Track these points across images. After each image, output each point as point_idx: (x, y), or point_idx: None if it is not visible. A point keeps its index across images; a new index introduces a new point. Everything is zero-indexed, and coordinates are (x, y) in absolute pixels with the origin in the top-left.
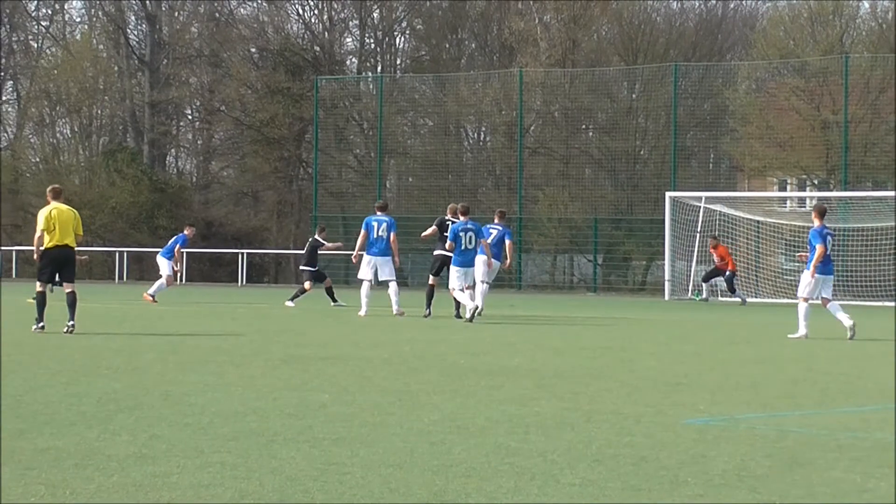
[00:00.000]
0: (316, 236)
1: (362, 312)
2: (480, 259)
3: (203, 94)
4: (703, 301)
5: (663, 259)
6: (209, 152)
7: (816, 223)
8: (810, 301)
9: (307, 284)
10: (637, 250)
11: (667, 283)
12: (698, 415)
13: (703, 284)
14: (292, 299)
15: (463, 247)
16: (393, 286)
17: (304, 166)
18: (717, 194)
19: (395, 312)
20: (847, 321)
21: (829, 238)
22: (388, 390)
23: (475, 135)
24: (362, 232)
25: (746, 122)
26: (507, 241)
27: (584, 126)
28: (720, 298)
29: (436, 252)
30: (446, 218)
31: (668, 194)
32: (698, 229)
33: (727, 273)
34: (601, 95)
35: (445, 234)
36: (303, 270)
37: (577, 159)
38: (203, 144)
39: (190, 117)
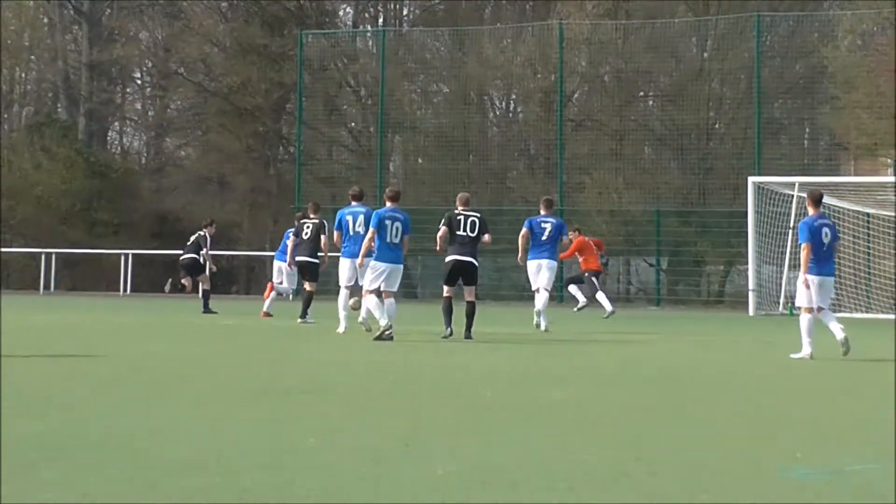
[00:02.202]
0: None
1: (341, 329)
2: (547, 264)
3: (156, 54)
4: (788, 315)
5: (746, 263)
6: (163, 126)
7: (811, 212)
8: (814, 310)
9: (308, 286)
10: (712, 252)
11: (751, 295)
12: (796, 465)
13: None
14: (303, 316)
15: (388, 239)
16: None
17: (285, 144)
18: (813, 179)
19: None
20: (840, 333)
21: (825, 231)
22: (391, 432)
23: (502, 104)
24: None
25: (851, 87)
26: (565, 237)
27: (641, 93)
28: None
29: (448, 257)
30: (457, 211)
31: (752, 180)
32: (791, 224)
33: (587, 273)
34: (663, 54)
35: (459, 232)
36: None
37: (634, 135)
38: (155, 116)
39: (139, 82)
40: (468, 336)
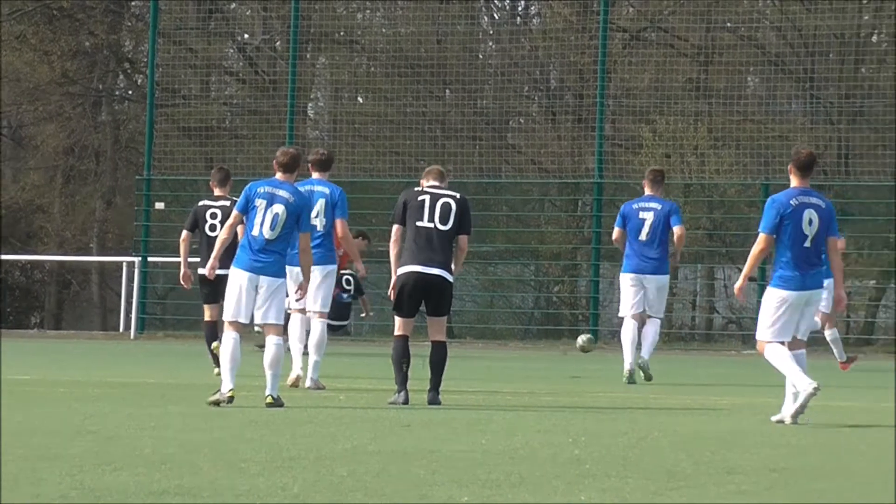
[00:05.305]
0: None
1: (293, 376)
2: (657, 281)
3: None
4: None
5: None
6: None
7: (793, 182)
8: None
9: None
10: (858, 257)
11: None
12: None
13: None
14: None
15: (259, 231)
16: (318, 328)
17: (129, 71)
18: None
19: (308, 384)
20: (807, 388)
21: (808, 216)
22: None
23: (504, 1)
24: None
25: None
26: (676, 228)
27: None
28: None
29: (401, 269)
30: (419, 189)
31: None
32: None
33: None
34: None
35: (420, 223)
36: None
37: (730, 55)
38: None
39: None
40: (435, 399)
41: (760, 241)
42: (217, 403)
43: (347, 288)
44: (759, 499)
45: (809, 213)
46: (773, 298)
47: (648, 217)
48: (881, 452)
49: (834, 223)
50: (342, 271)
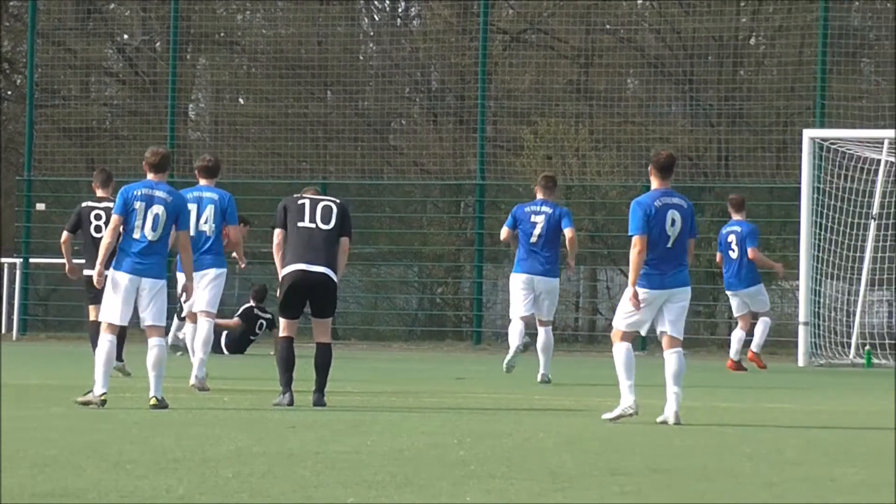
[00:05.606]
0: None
1: (193, 380)
2: (546, 284)
3: None
4: (865, 365)
5: (797, 277)
6: None
7: (654, 184)
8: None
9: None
10: None
11: (801, 331)
12: None
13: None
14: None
15: (141, 234)
16: (205, 327)
17: (6, 71)
18: None
19: (191, 382)
20: (672, 405)
21: (671, 217)
22: None
23: (384, 2)
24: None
25: None
26: (568, 231)
27: None
28: None
29: (285, 269)
30: (298, 195)
31: (809, 134)
32: (874, 211)
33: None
34: None
35: (302, 224)
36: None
37: (610, 56)
38: None
39: None
40: (320, 401)
41: (636, 243)
42: (86, 404)
43: (258, 332)
44: (643, 499)
45: (673, 214)
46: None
47: (540, 221)
48: (763, 453)
49: (694, 224)
50: (260, 313)
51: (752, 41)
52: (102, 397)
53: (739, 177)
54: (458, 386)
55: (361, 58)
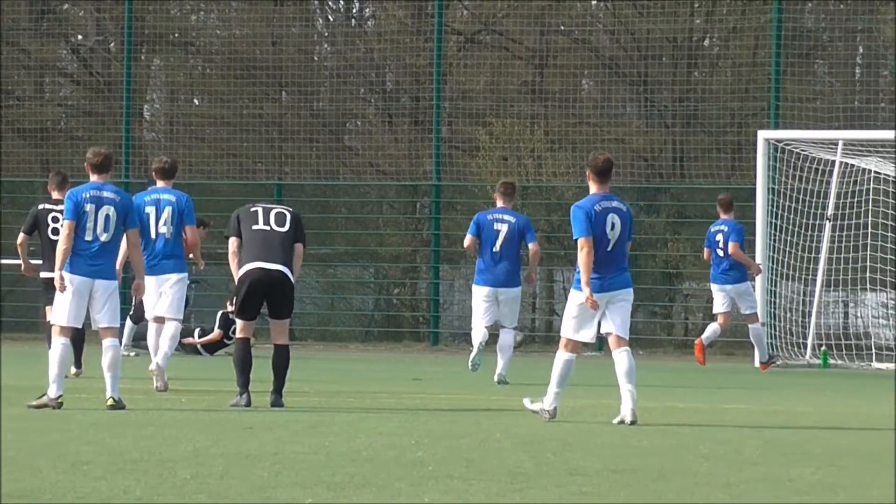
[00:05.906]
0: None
1: (158, 384)
2: (509, 294)
3: None
4: (822, 365)
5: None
6: None
7: (592, 189)
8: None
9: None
10: (692, 258)
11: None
12: None
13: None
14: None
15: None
16: (173, 326)
17: None
18: (869, 135)
19: (151, 367)
20: (628, 402)
21: (611, 220)
22: None
23: (338, 3)
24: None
25: None
26: (531, 245)
27: None
28: None
29: (242, 268)
30: (253, 204)
31: (764, 135)
32: (829, 213)
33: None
34: None
35: (257, 226)
36: None
37: (565, 58)
38: None
39: None
40: (277, 402)
41: (583, 245)
42: (41, 407)
43: (232, 335)
44: (601, 499)
45: (612, 218)
46: (575, 300)
47: (503, 229)
48: (721, 453)
49: (632, 227)
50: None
51: (707, 42)
52: (59, 400)
53: (694, 178)
54: (416, 387)
55: (316, 58)
